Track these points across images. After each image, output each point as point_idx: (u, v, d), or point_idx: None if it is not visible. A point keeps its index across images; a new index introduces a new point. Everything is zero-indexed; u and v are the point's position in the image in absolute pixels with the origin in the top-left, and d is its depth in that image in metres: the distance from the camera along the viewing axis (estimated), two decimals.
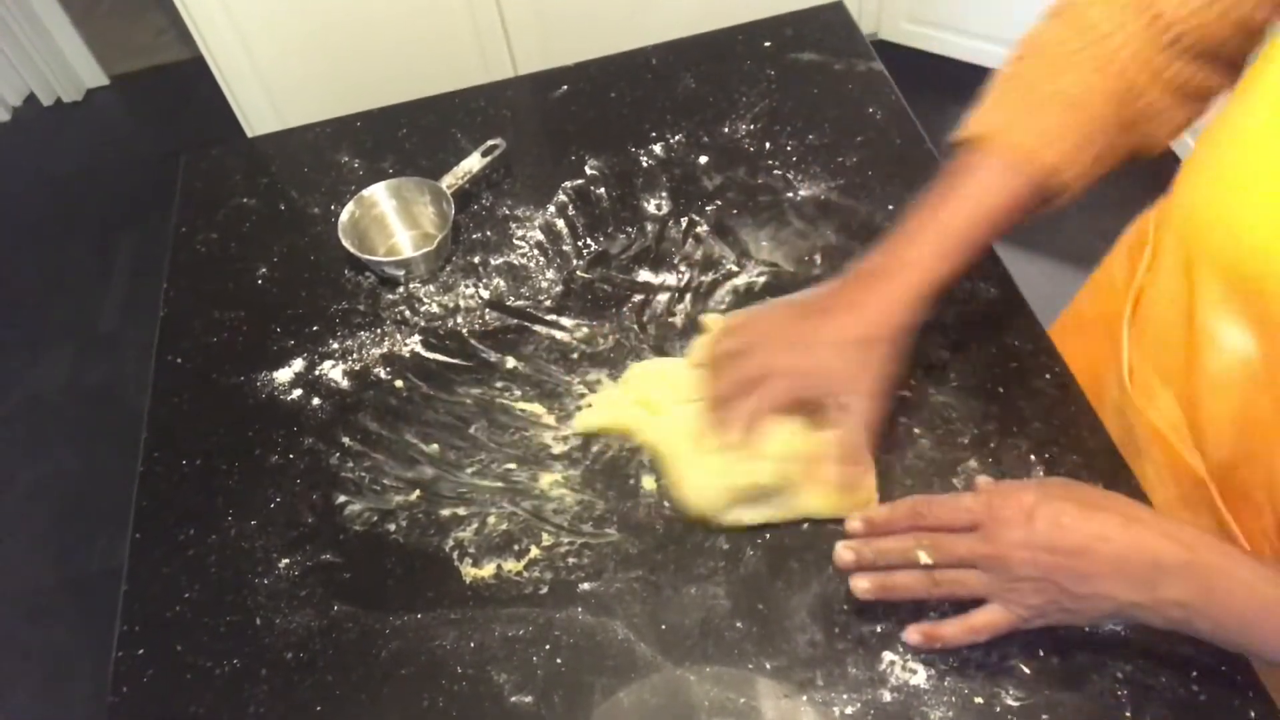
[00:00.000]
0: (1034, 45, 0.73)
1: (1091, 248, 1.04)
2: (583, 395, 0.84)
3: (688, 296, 0.90)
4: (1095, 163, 0.70)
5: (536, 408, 0.84)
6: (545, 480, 0.79)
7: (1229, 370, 0.68)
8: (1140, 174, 0.79)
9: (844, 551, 0.66)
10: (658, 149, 1.04)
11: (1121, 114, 0.70)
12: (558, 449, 0.81)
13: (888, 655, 0.66)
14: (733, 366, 0.74)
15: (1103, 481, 0.73)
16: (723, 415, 0.73)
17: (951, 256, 0.71)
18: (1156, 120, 0.71)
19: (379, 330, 0.92)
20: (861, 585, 0.65)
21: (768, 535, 0.73)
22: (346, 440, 0.84)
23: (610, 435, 0.81)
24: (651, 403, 0.79)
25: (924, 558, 0.63)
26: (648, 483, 0.77)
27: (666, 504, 0.76)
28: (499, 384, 0.86)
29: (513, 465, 0.80)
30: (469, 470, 0.80)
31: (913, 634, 0.65)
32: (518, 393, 0.85)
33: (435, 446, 0.82)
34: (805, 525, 0.73)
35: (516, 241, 0.98)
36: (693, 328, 0.87)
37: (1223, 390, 0.69)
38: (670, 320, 0.89)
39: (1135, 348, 0.79)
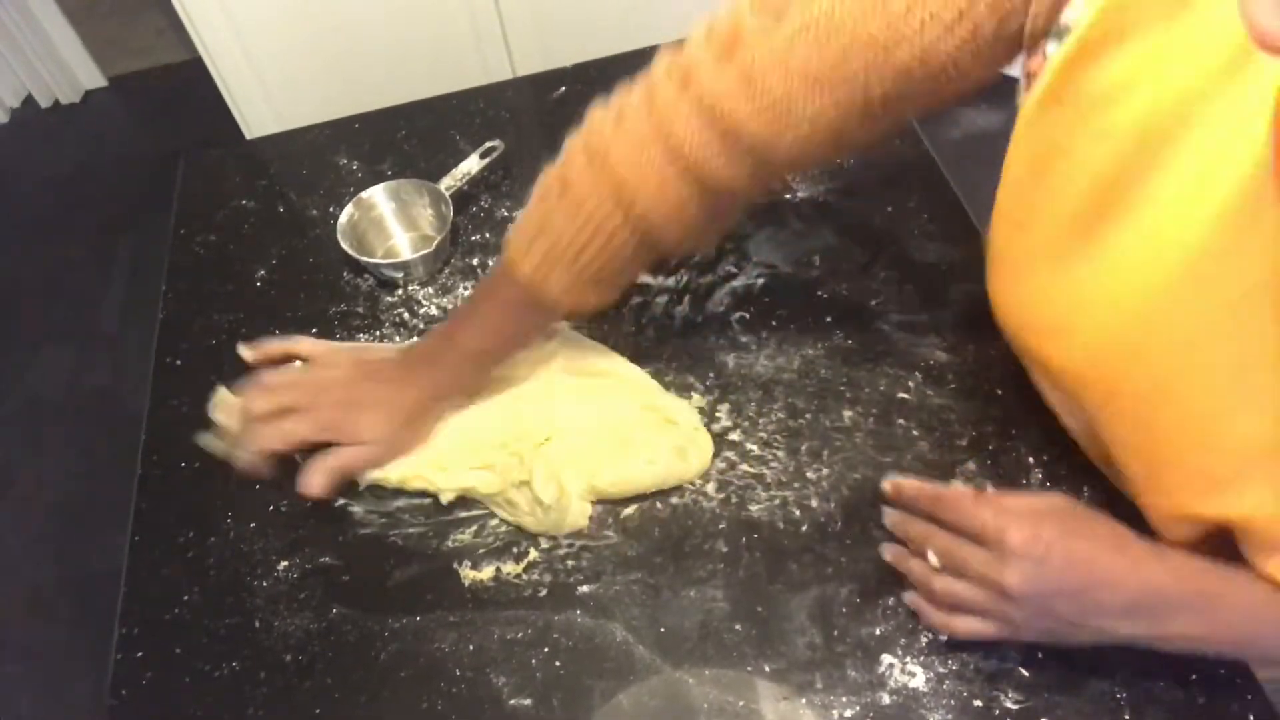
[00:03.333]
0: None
1: None
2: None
3: (686, 298, 0.90)
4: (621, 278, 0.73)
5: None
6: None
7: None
8: None
9: (890, 517, 0.70)
10: None
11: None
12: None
13: (887, 658, 0.66)
14: (274, 391, 0.79)
15: (1101, 485, 0.73)
16: (247, 433, 0.77)
17: (496, 344, 0.77)
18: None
19: (378, 332, 0.92)
20: (885, 554, 0.69)
21: (767, 538, 0.73)
22: None
23: None
24: None
25: (933, 559, 0.64)
26: None
27: (659, 504, 0.76)
28: None
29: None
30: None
31: (909, 597, 0.67)
32: None
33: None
34: (805, 528, 0.73)
35: None
36: (692, 329, 0.87)
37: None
38: (669, 322, 0.89)
39: None
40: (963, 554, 0.62)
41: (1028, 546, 0.58)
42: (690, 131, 0.62)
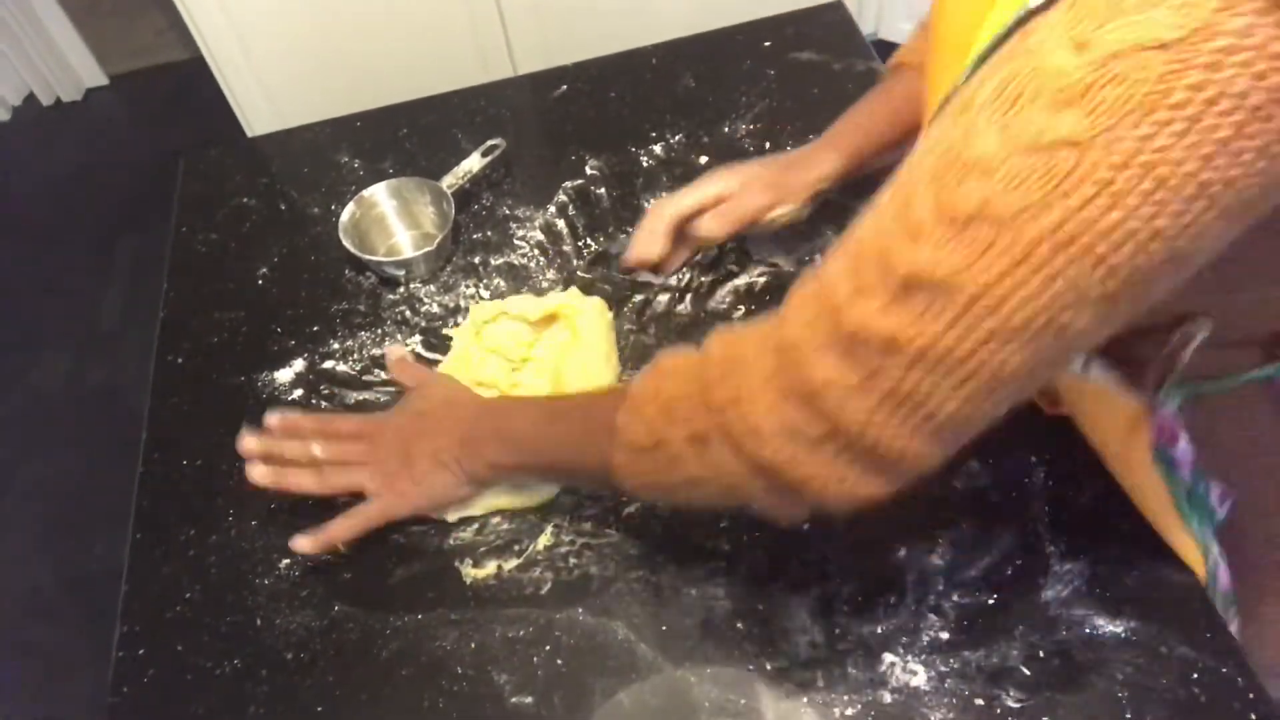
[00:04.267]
0: None
1: None
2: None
3: (688, 297, 0.90)
4: None
5: None
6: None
7: None
8: None
9: (249, 439, 0.77)
10: (658, 149, 1.03)
11: None
12: None
13: (888, 656, 0.66)
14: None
15: (1103, 482, 0.73)
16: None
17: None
18: None
19: (379, 330, 0.92)
20: (257, 472, 0.75)
21: (768, 536, 0.73)
22: None
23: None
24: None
25: (317, 449, 0.75)
26: None
27: (659, 504, 0.76)
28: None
29: None
30: None
31: (301, 542, 0.74)
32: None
33: None
34: (806, 526, 0.73)
35: (517, 241, 0.98)
36: (694, 327, 0.87)
37: None
38: (671, 320, 0.89)
39: None
40: (342, 443, 0.76)
41: (386, 422, 0.78)
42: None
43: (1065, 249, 0.41)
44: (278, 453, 0.76)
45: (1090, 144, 0.39)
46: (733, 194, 0.84)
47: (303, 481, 0.75)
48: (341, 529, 0.74)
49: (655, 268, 0.87)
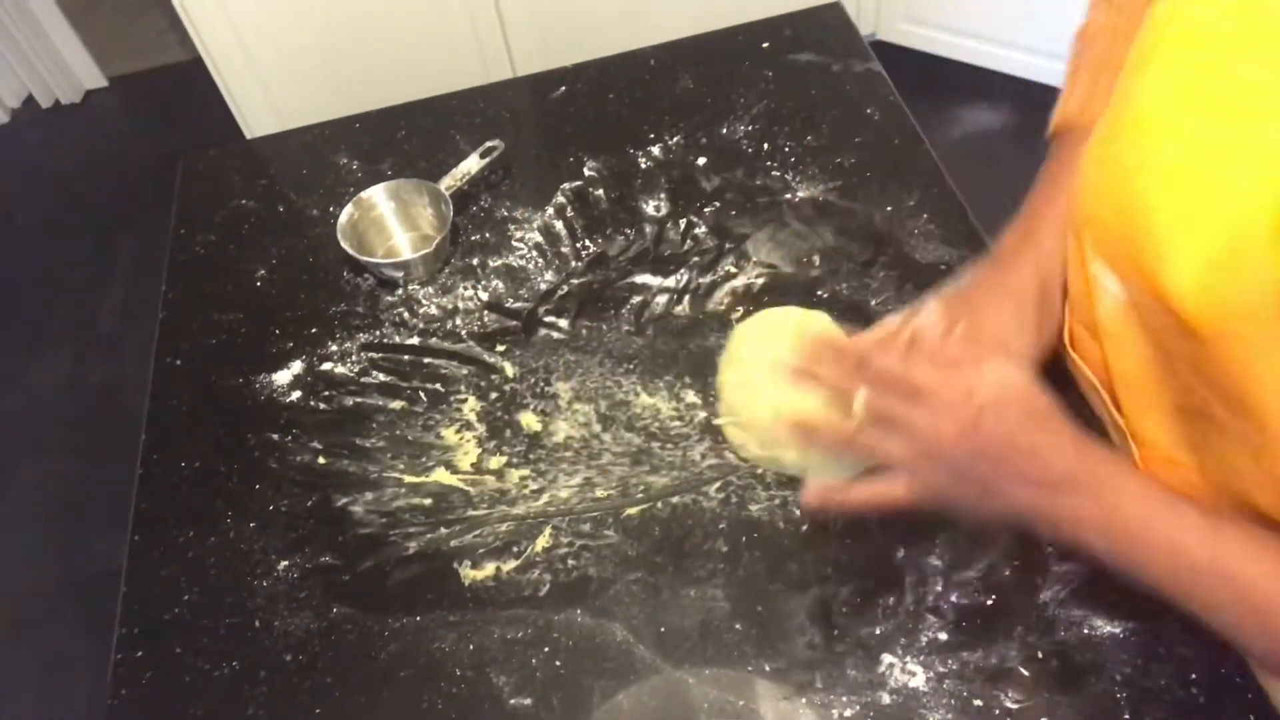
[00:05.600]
0: (1097, 25, 0.73)
1: None
2: (578, 393, 0.84)
3: (686, 298, 0.90)
4: None
5: (530, 413, 0.84)
6: (544, 482, 0.79)
7: (1113, 318, 0.65)
8: None
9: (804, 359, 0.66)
10: (656, 150, 1.04)
11: None
12: (554, 449, 0.81)
13: (887, 658, 0.66)
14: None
15: None
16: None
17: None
18: None
19: (378, 332, 0.92)
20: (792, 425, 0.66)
21: (767, 537, 0.73)
22: (345, 442, 0.84)
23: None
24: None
25: (858, 403, 0.62)
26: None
27: (659, 504, 0.76)
28: (497, 386, 0.86)
29: (511, 466, 0.80)
30: (467, 471, 0.80)
31: (809, 495, 0.67)
32: (514, 394, 0.85)
33: (434, 448, 0.82)
34: (805, 527, 0.73)
35: (515, 243, 0.98)
36: (692, 329, 0.87)
37: (1116, 339, 0.66)
38: (669, 322, 0.89)
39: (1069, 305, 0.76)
40: (892, 401, 0.60)
41: (961, 398, 0.58)
42: None
43: None
44: (811, 375, 0.65)
45: None
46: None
47: (828, 434, 0.64)
48: (862, 497, 0.64)
49: None
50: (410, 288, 0.95)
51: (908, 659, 0.66)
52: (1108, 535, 0.58)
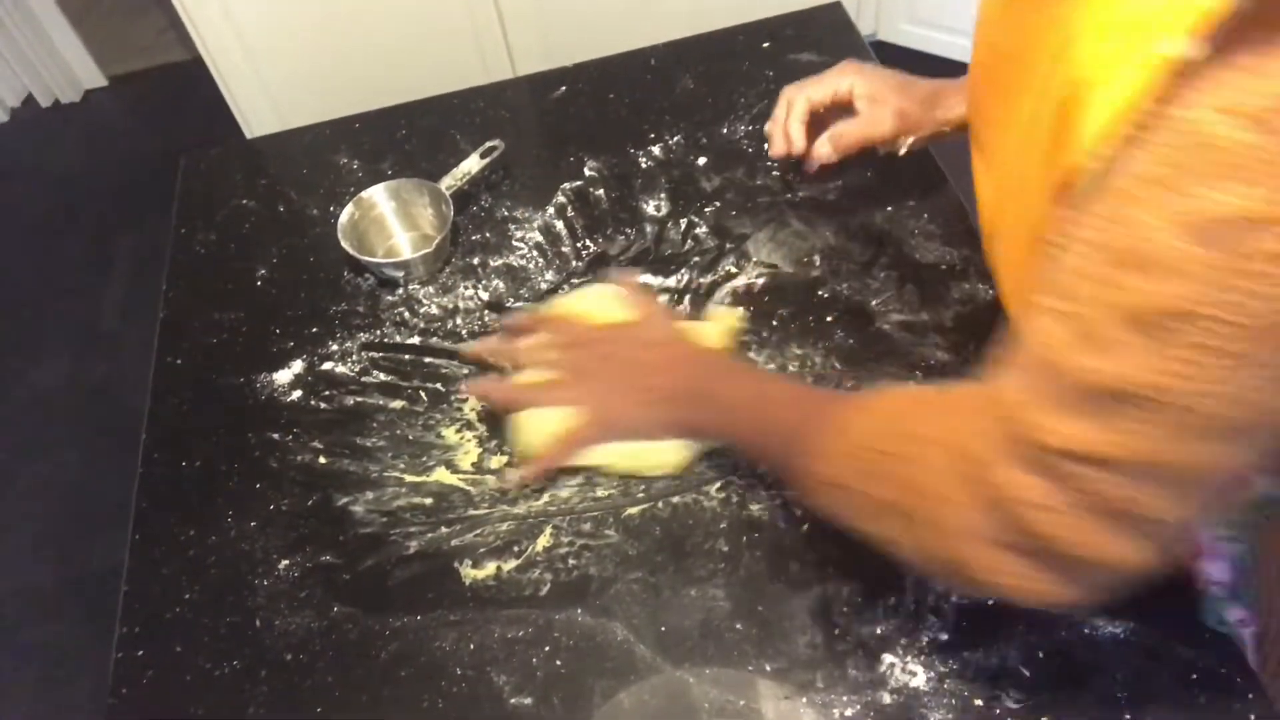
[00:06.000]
0: None
1: None
2: None
3: (687, 298, 0.90)
4: None
5: None
6: (545, 481, 0.79)
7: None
8: None
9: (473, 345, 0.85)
10: (656, 150, 1.04)
11: None
12: None
13: (888, 657, 0.66)
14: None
15: None
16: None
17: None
18: None
19: (378, 331, 0.92)
20: (465, 385, 0.84)
21: (768, 537, 0.73)
22: (346, 442, 0.84)
23: None
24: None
25: (522, 348, 0.80)
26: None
27: (660, 504, 0.76)
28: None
29: (512, 465, 0.80)
30: (467, 470, 0.80)
31: (520, 474, 0.77)
32: None
33: (434, 448, 0.82)
34: (806, 527, 0.73)
35: (515, 243, 0.98)
36: None
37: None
38: None
39: None
40: (537, 348, 0.79)
41: (587, 329, 0.79)
42: None
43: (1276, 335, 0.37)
44: (487, 353, 0.84)
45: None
46: (860, 107, 0.84)
47: (502, 393, 0.80)
48: (561, 453, 0.75)
49: (799, 160, 0.90)
50: (411, 287, 0.95)
51: (909, 659, 0.66)
52: (721, 409, 0.70)
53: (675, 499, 0.76)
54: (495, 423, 0.83)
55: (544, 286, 0.93)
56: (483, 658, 0.70)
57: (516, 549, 0.75)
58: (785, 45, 1.13)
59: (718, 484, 0.77)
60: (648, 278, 0.92)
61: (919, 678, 0.65)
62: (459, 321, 0.92)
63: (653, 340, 0.78)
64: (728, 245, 0.93)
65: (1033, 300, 0.46)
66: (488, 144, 1.02)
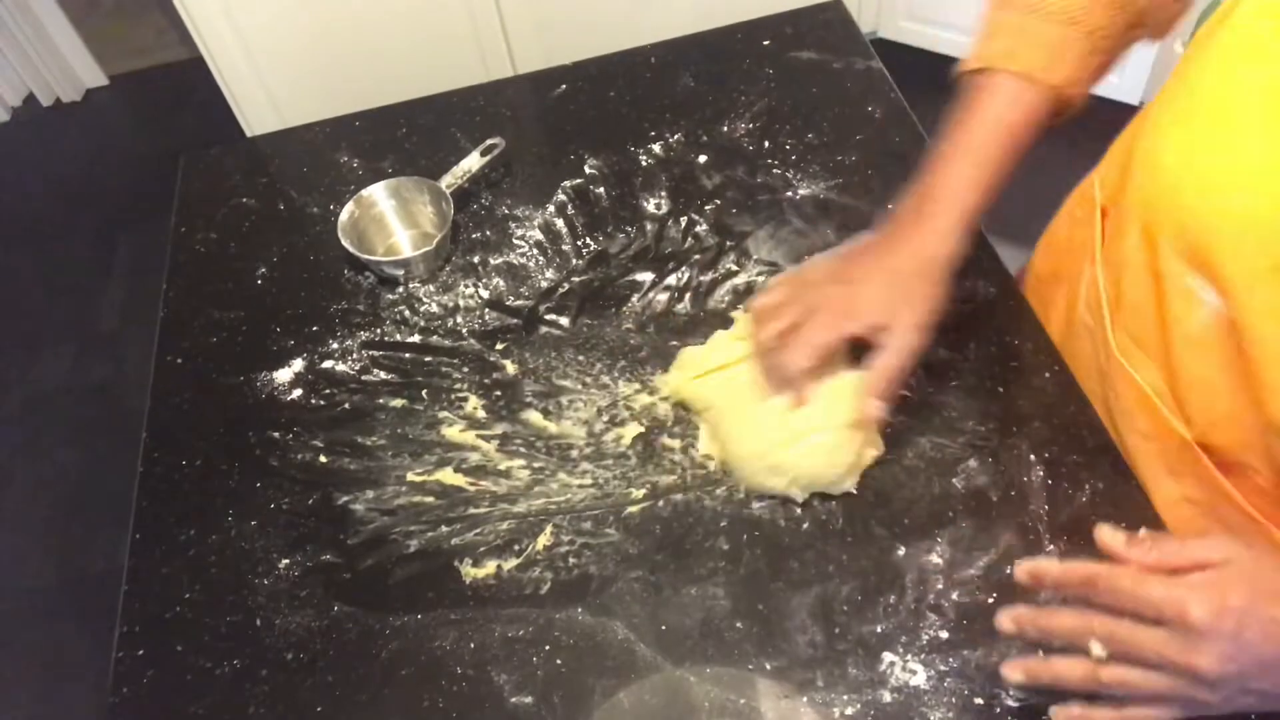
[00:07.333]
0: None
1: None
2: (579, 391, 0.84)
3: (687, 296, 0.90)
4: (1099, 71, 0.74)
5: (531, 410, 0.84)
6: (545, 480, 0.79)
7: (1204, 328, 0.65)
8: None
9: (1006, 621, 0.57)
10: (657, 148, 1.03)
11: (1120, 19, 0.72)
12: (555, 448, 0.81)
13: (888, 656, 0.66)
14: (776, 314, 0.74)
15: (1103, 481, 0.73)
16: (769, 365, 0.74)
17: (984, 184, 0.73)
18: (1156, 15, 0.74)
19: (379, 330, 0.92)
20: (1015, 676, 0.57)
21: (768, 535, 0.73)
22: (346, 440, 0.84)
23: (625, 430, 0.81)
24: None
25: (1096, 649, 0.54)
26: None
27: (660, 502, 0.76)
28: (498, 383, 0.86)
29: (511, 465, 0.80)
30: (468, 470, 0.80)
31: (1064, 714, 0.57)
32: (516, 392, 0.85)
33: (435, 446, 0.82)
34: (806, 525, 0.73)
35: (516, 241, 0.98)
36: (693, 327, 0.87)
37: (1200, 349, 0.66)
38: (670, 320, 0.89)
39: (1112, 314, 0.77)
40: (1136, 638, 0.52)
41: (1218, 622, 0.49)
42: None
43: None
44: (1033, 636, 0.58)
45: None
46: (886, 325, 0.71)
47: (1071, 677, 0.56)
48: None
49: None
50: (411, 285, 0.95)
51: (909, 657, 0.66)
52: None
53: (675, 497, 0.76)
54: (495, 421, 0.83)
55: (544, 284, 0.93)
56: (483, 656, 0.70)
57: (517, 548, 0.75)
58: (785, 43, 1.13)
59: (718, 482, 0.77)
60: (648, 275, 0.92)
61: (919, 676, 0.65)
62: (459, 320, 0.92)
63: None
64: (728, 243, 0.93)
65: None
66: (488, 142, 1.02)
